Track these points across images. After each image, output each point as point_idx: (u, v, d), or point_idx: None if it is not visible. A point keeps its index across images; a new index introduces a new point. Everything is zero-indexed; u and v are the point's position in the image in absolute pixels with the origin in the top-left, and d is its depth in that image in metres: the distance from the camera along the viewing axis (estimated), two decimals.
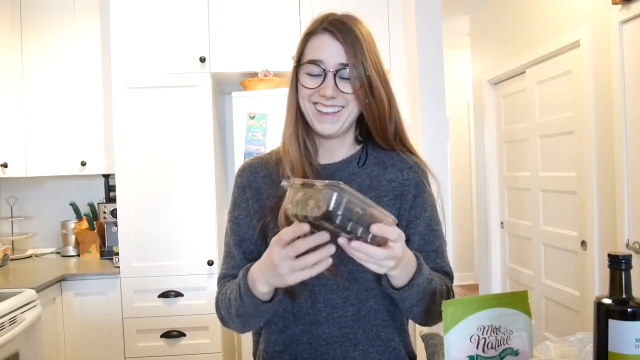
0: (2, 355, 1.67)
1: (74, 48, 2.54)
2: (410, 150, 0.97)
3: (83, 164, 2.54)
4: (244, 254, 0.92)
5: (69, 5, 2.54)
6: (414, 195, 0.93)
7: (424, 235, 0.93)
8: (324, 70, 0.86)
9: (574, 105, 2.52)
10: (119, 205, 2.29)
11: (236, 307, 0.83)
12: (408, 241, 0.92)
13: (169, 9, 2.31)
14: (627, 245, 2.13)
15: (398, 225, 0.89)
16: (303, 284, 0.84)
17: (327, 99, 0.86)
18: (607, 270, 0.73)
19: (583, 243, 2.47)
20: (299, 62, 0.90)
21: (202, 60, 2.30)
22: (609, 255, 0.72)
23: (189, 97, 2.31)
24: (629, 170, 2.13)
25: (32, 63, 2.53)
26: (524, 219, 3.15)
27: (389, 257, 0.71)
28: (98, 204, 2.65)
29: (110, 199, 2.65)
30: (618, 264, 0.71)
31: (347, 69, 0.86)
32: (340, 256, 0.85)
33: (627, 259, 0.71)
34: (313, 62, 0.87)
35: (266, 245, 0.89)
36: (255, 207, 0.93)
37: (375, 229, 0.68)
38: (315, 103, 0.87)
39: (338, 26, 0.87)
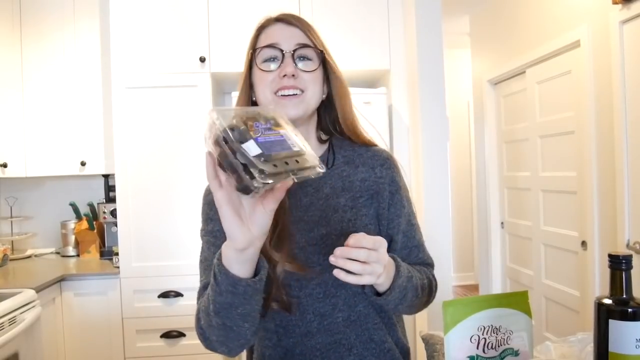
0: (2, 355, 1.67)
1: (74, 48, 2.54)
2: (367, 142, 0.97)
3: (83, 164, 2.54)
4: None
5: (68, 5, 2.54)
6: (390, 192, 0.92)
7: (405, 232, 0.93)
8: (282, 51, 0.86)
9: (574, 105, 2.51)
10: (119, 205, 2.29)
11: (213, 299, 0.71)
12: (391, 241, 0.91)
13: (169, 9, 2.31)
14: (628, 245, 2.13)
15: (377, 221, 0.91)
16: (290, 296, 0.84)
17: (288, 79, 0.84)
18: (607, 270, 0.73)
19: (583, 243, 2.47)
20: (253, 52, 0.89)
21: (202, 60, 2.30)
22: (609, 255, 0.72)
23: (189, 97, 2.31)
24: (629, 170, 2.13)
25: (32, 63, 2.53)
26: (524, 219, 3.15)
27: (376, 260, 0.71)
28: (98, 204, 2.65)
29: (110, 199, 2.65)
30: (618, 264, 0.71)
31: (305, 48, 0.87)
32: (324, 263, 0.84)
33: (628, 259, 0.71)
34: (269, 45, 0.86)
35: None
36: None
37: (352, 241, 0.70)
38: (276, 92, 0.85)
39: (290, 15, 0.90)
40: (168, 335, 2.28)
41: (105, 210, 2.58)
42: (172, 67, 2.31)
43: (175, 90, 2.31)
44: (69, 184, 2.84)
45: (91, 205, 2.71)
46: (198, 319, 0.81)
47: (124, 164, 2.29)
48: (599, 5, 2.26)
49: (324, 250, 0.85)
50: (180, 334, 2.28)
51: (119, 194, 2.29)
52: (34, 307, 1.91)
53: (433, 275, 0.97)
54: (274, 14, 0.91)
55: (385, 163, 0.93)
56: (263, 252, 0.80)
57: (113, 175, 2.47)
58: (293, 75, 0.84)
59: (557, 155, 2.73)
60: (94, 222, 2.66)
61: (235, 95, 2.20)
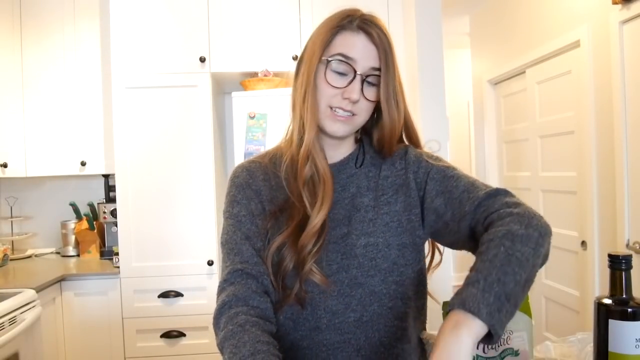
0: (2, 355, 1.67)
1: (74, 48, 2.54)
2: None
3: (83, 164, 2.54)
4: (253, 249, 0.84)
5: (68, 5, 2.53)
6: (414, 172, 0.88)
7: (445, 190, 0.84)
8: (354, 70, 0.82)
9: (574, 105, 2.51)
10: (119, 205, 2.29)
11: None
12: (436, 213, 0.84)
13: (169, 9, 2.31)
14: (627, 245, 2.13)
15: (410, 214, 0.86)
16: (306, 291, 0.83)
17: (348, 103, 0.82)
18: (607, 270, 0.73)
19: (583, 243, 2.47)
20: (324, 55, 0.84)
21: (202, 60, 2.30)
22: (609, 256, 0.72)
23: (189, 97, 2.31)
24: (629, 170, 2.13)
25: (32, 63, 2.53)
26: None
27: None
28: (98, 204, 2.65)
29: (110, 199, 2.65)
30: (618, 264, 0.71)
31: (377, 76, 0.83)
32: (341, 262, 0.84)
33: (627, 259, 0.71)
34: (345, 57, 0.82)
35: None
36: (259, 208, 0.88)
37: None
38: (332, 108, 0.84)
39: (374, 29, 0.83)
40: (168, 335, 2.28)
41: (105, 210, 2.58)
42: (172, 67, 2.31)
43: (175, 90, 2.31)
44: (69, 184, 2.84)
45: (91, 205, 2.71)
46: (223, 331, 0.76)
47: (124, 164, 2.29)
48: (599, 5, 2.26)
49: (343, 249, 0.84)
50: (181, 334, 2.28)
51: (119, 194, 2.29)
52: (34, 307, 1.91)
53: (516, 211, 0.72)
54: (353, 14, 0.85)
55: (404, 155, 0.91)
56: (296, 248, 0.81)
57: (113, 175, 2.46)
58: (357, 101, 0.82)
59: (557, 155, 2.73)
60: (94, 222, 2.66)
61: (235, 95, 2.21)
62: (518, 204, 0.75)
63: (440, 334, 0.62)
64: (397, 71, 0.85)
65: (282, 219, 0.86)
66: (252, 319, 0.77)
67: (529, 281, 0.66)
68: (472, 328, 0.60)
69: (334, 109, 0.84)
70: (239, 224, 0.87)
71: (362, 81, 0.83)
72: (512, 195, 0.78)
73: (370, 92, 0.84)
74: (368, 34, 0.83)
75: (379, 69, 0.83)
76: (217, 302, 0.81)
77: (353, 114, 0.84)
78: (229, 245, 0.86)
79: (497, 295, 0.61)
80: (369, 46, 0.83)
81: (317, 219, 0.82)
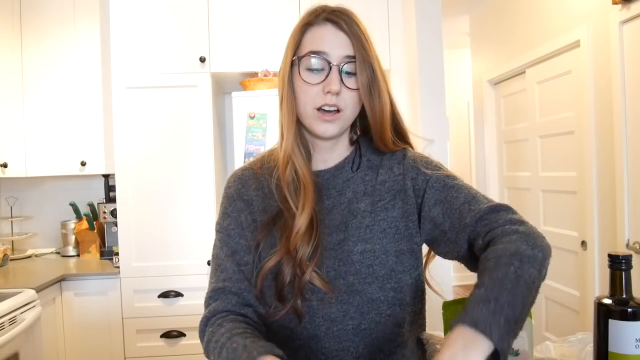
0: (2, 355, 1.67)
1: (74, 48, 2.54)
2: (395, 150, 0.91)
3: (83, 164, 2.54)
4: (237, 265, 0.85)
5: (68, 5, 2.53)
6: (412, 178, 0.86)
7: (444, 199, 0.82)
8: (329, 63, 0.80)
9: (574, 105, 2.51)
10: (119, 205, 2.29)
11: None
12: (434, 223, 0.82)
13: (169, 9, 2.31)
14: (627, 245, 2.13)
15: (407, 221, 0.84)
16: (304, 300, 0.81)
17: (331, 97, 0.80)
18: (607, 270, 0.73)
19: (583, 243, 2.47)
20: (295, 55, 0.83)
21: (202, 60, 2.30)
22: (609, 256, 0.72)
23: (189, 97, 2.31)
24: (629, 170, 2.13)
25: (32, 63, 2.53)
26: None
27: None
28: (98, 204, 2.65)
29: (110, 199, 2.65)
30: (618, 264, 0.71)
31: (353, 63, 0.81)
32: (339, 269, 0.82)
33: (627, 259, 0.71)
34: (315, 53, 0.80)
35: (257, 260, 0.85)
36: (248, 220, 0.87)
37: None
38: (319, 109, 0.81)
39: (341, 16, 0.82)
40: (168, 335, 2.28)
41: (105, 210, 2.58)
42: (172, 67, 2.31)
43: (175, 90, 2.31)
44: (69, 184, 2.84)
45: (91, 205, 2.71)
46: (206, 335, 0.79)
47: (124, 164, 2.29)
48: (599, 5, 2.26)
49: (340, 256, 0.83)
50: (181, 334, 2.28)
51: (119, 194, 2.29)
52: (34, 307, 1.91)
53: (522, 229, 0.72)
54: (321, 9, 0.84)
55: (402, 160, 0.89)
56: (294, 261, 0.80)
57: (113, 175, 2.47)
58: (337, 92, 0.80)
59: (557, 155, 2.73)
60: (94, 222, 2.66)
61: (235, 95, 2.21)
62: (522, 222, 0.75)
63: (448, 348, 0.60)
64: (376, 58, 0.83)
65: (275, 230, 0.84)
66: (230, 316, 0.79)
67: (532, 303, 0.67)
68: (483, 349, 0.59)
69: (320, 109, 0.82)
70: (227, 238, 0.87)
71: (339, 71, 0.81)
72: (514, 212, 0.77)
73: (352, 81, 0.82)
74: (335, 23, 0.82)
75: (354, 57, 0.81)
76: (201, 318, 0.83)
77: (339, 110, 0.82)
78: (216, 261, 0.88)
79: (507, 318, 0.61)
80: (339, 35, 0.81)
81: (299, 222, 0.81)
